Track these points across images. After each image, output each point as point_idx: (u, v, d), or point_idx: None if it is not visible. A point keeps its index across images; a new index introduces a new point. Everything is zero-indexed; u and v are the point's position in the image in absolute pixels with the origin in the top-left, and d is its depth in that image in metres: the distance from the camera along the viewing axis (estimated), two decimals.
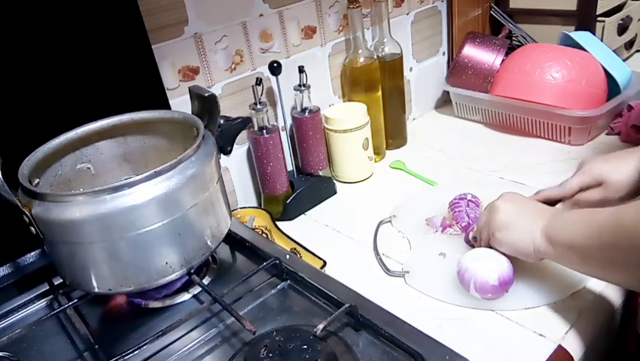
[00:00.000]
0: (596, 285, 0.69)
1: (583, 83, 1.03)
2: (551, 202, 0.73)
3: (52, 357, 0.65)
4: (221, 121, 0.69)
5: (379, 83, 1.06)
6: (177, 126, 0.72)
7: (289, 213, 0.96)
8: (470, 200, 0.84)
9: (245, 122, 0.72)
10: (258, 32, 0.93)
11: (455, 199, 0.86)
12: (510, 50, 1.20)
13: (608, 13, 1.24)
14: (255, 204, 1.02)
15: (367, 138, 1.01)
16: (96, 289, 0.62)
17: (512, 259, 0.69)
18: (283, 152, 0.94)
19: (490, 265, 0.66)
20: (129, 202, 0.57)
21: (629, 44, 1.37)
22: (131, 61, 0.76)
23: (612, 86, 1.06)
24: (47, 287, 0.73)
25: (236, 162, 0.97)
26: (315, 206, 0.98)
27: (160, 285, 0.64)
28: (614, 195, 0.70)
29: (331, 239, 0.89)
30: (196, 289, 0.71)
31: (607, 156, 0.74)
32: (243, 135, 0.92)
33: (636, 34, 1.37)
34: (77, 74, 0.72)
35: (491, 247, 0.69)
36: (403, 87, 1.12)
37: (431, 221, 0.85)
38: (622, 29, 1.28)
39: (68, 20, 0.69)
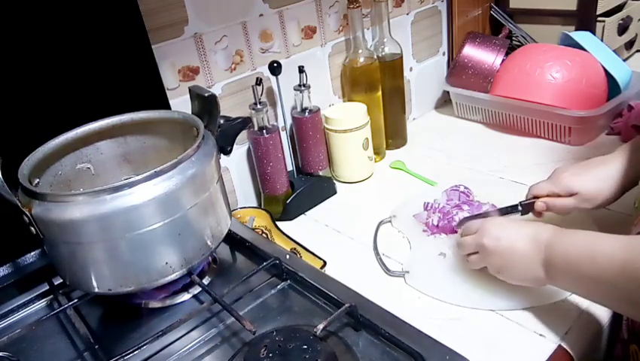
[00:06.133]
0: None
1: (583, 83, 1.03)
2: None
3: (52, 357, 0.65)
4: (221, 121, 0.69)
5: (379, 83, 1.06)
6: (177, 126, 0.72)
7: (289, 213, 0.96)
8: (462, 192, 0.88)
9: (245, 122, 0.72)
10: (258, 32, 0.93)
11: (449, 190, 0.90)
12: (510, 50, 1.20)
13: (608, 13, 1.23)
14: (255, 204, 1.01)
15: (367, 138, 1.01)
16: (96, 289, 0.62)
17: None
18: (283, 152, 0.94)
19: None
20: (129, 202, 0.57)
21: (629, 44, 1.37)
22: (131, 61, 0.76)
23: (612, 86, 1.06)
24: (47, 287, 0.73)
25: (236, 162, 0.97)
26: (315, 206, 0.98)
27: (160, 285, 0.64)
28: (589, 205, 0.72)
29: (331, 239, 0.89)
30: (196, 289, 0.71)
31: (576, 167, 0.74)
32: (243, 135, 0.92)
33: (636, 34, 1.37)
34: (77, 74, 0.72)
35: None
36: (403, 87, 1.12)
37: (418, 216, 0.87)
38: (622, 29, 1.28)
39: (68, 20, 0.69)
